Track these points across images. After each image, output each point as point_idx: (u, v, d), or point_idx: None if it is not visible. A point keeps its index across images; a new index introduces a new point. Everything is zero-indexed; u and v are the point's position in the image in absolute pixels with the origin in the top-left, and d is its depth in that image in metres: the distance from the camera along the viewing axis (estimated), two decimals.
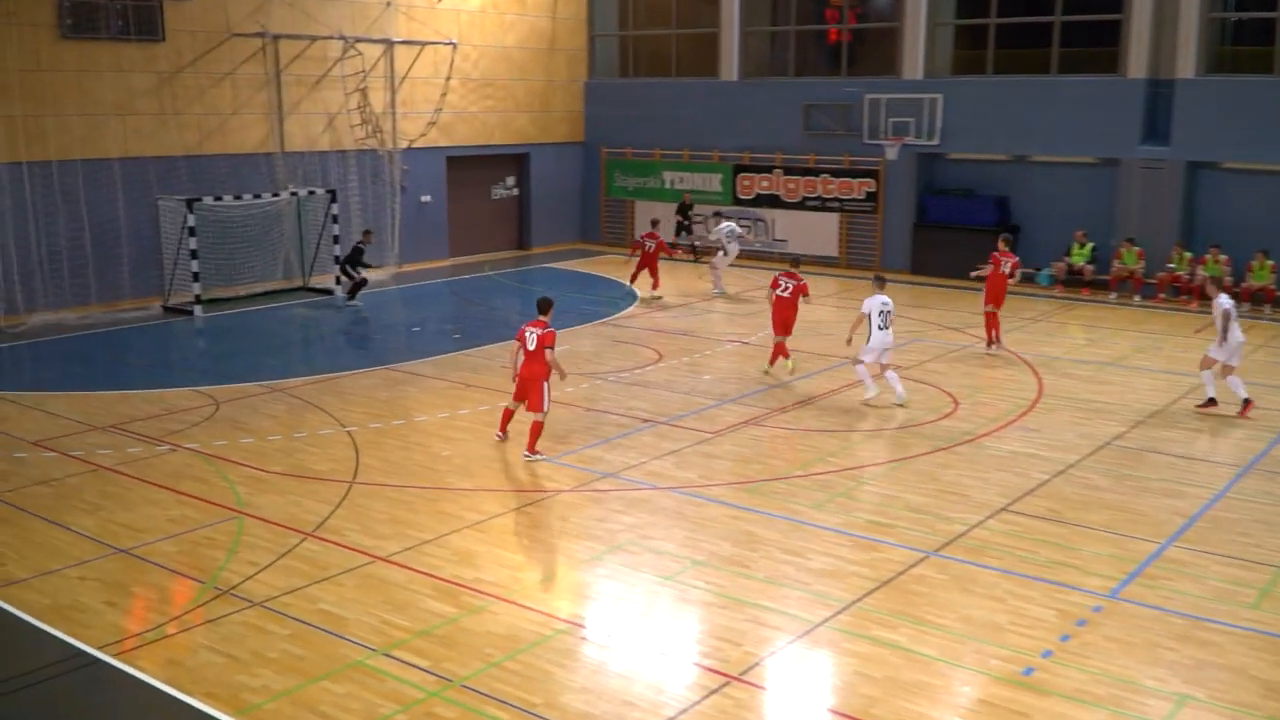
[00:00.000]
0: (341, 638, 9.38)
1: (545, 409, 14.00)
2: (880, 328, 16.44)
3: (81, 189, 22.63)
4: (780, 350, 18.31)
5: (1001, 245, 20.14)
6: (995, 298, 19.85)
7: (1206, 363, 16.16)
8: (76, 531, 11.64)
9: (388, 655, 9.11)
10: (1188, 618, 9.87)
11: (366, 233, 24.92)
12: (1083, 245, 25.94)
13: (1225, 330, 15.76)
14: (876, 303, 16.49)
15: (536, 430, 14.02)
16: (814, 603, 10.08)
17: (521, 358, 13.95)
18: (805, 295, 18.38)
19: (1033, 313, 23.64)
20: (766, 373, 18.24)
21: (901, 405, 16.34)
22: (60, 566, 10.79)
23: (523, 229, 32.92)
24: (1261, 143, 24.04)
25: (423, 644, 9.29)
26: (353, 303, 24.22)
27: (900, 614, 9.87)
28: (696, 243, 30.26)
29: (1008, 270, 19.81)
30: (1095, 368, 18.95)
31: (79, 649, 9.18)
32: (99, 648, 9.21)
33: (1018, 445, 14.71)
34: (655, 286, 24.71)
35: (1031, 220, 27.38)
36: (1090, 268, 25.79)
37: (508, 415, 14.70)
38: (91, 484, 13.07)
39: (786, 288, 18.32)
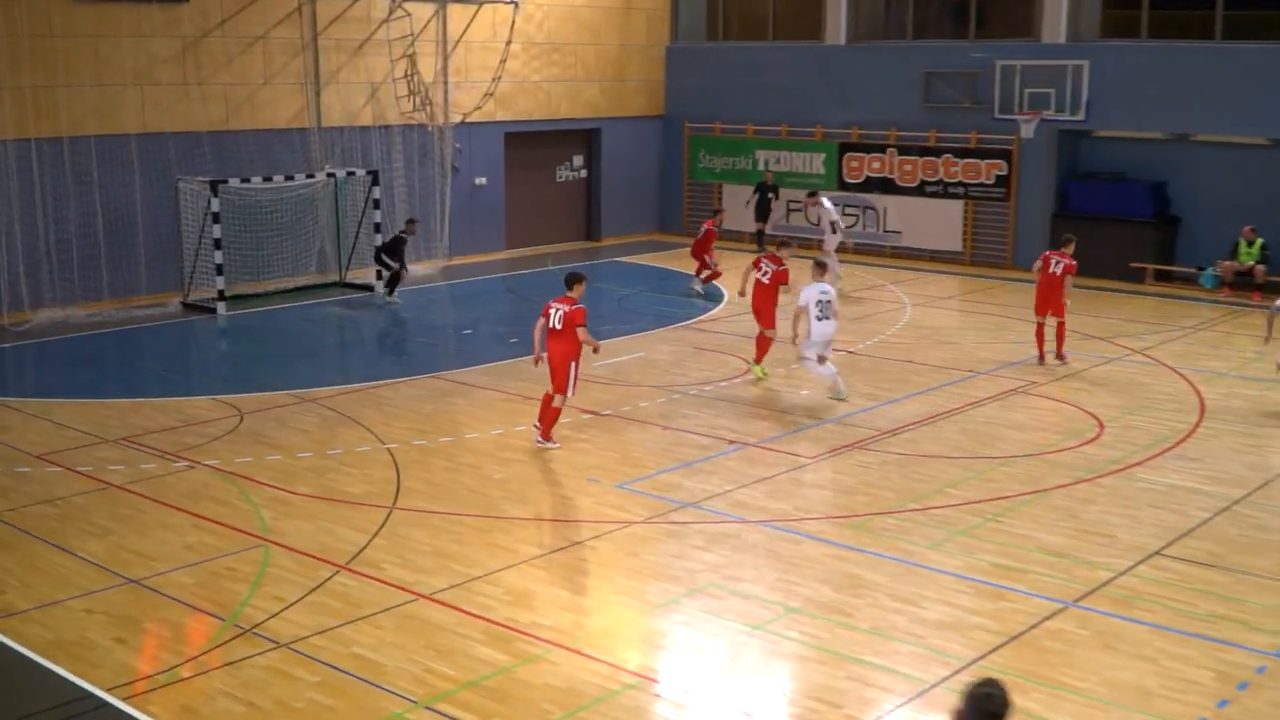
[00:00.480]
0: (378, 687, 9.49)
1: (570, 392, 14.91)
2: (819, 318, 17.13)
3: (95, 169, 23.19)
4: (763, 346, 18.73)
5: (1065, 246, 19.74)
6: (1043, 305, 19.62)
7: None
8: (83, 558, 11.90)
9: (430, 709, 9.19)
10: None
11: (411, 221, 25.13)
12: (1251, 243, 25.46)
13: None
14: (814, 292, 17.24)
15: (554, 415, 15.12)
16: (929, 659, 9.98)
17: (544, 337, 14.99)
18: (784, 284, 18.73)
19: (1194, 320, 23.25)
20: (759, 379, 18.64)
21: (840, 400, 17.10)
22: (65, 597, 11.04)
23: (591, 217, 33.11)
24: None
25: (470, 697, 9.36)
26: (392, 300, 24.50)
27: (1032, 675, 9.72)
28: (768, 230, 30.19)
29: (1059, 272, 19.42)
30: (1266, 386, 18.56)
31: (85, 690, 9.37)
32: (107, 689, 9.40)
33: (1174, 477, 14.45)
34: (700, 275, 25.43)
35: (1194, 211, 26.94)
36: (1261, 268, 25.30)
37: (548, 402, 15.37)
38: (100, 504, 13.37)
39: (766, 272, 18.71)
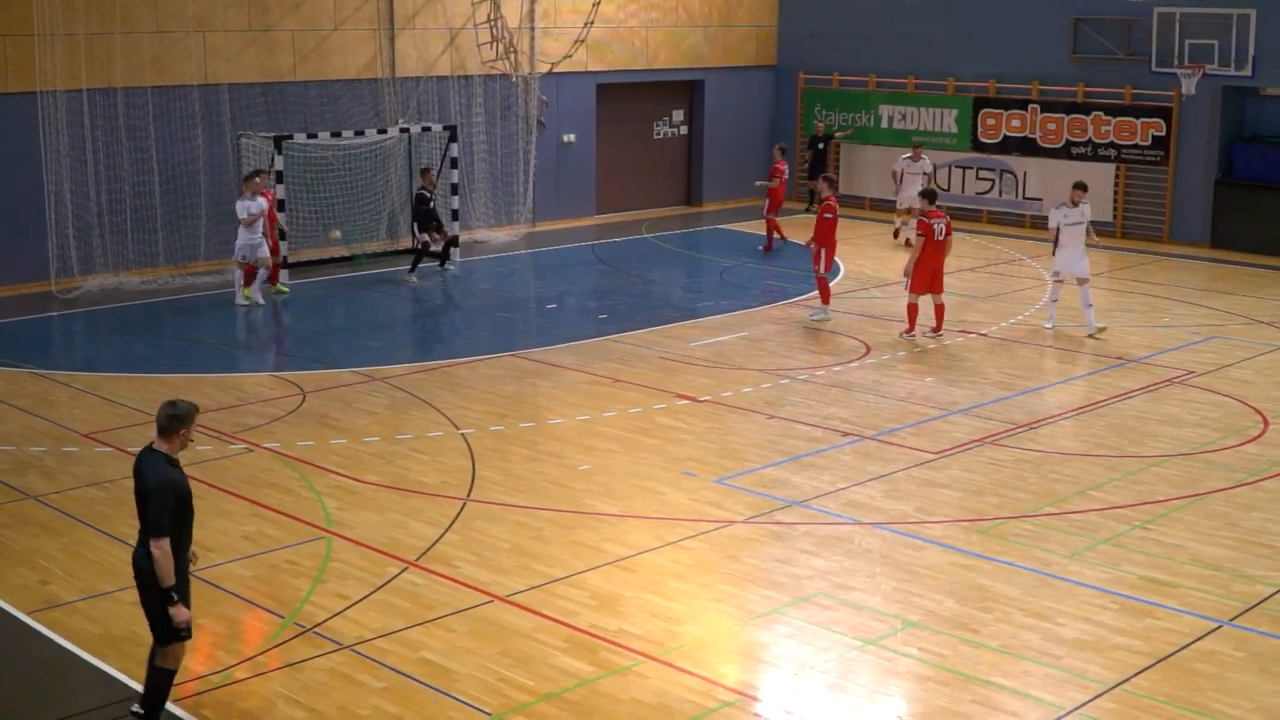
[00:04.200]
0: (448, 695, 9.61)
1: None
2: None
3: (151, 123, 23.64)
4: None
5: (925, 208, 20.50)
6: (927, 280, 20.03)
7: None
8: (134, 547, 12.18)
9: None
10: None
11: (425, 171, 24.67)
12: None
13: None
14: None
15: (940, 311, 19.99)
16: (1065, 682, 9.90)
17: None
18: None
19: None
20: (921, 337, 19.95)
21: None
22: (113, 589, 11.32)
23: (692, 180, 33.13)
24: None
25: (550, 710, 9.45)
26: (411, 279, 24.02)
27: (1181, 700, 9.62)
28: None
29: (941, 235, 20.09)
30: None
31: (133, 689, 9.61)
32: None
33: None
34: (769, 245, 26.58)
35: None
36: None
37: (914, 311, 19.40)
38: None
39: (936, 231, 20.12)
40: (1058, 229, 20.41)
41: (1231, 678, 9.98)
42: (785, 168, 27.59)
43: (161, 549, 8.49)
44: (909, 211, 26.07)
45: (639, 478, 14.14)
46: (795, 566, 11.92)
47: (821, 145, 30.87)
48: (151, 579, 8.62)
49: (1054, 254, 20.62)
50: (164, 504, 8.49)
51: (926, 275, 19.81)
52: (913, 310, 19.91)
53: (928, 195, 20.66)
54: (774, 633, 10.75)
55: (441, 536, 12.45)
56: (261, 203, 21.73)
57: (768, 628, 10.83)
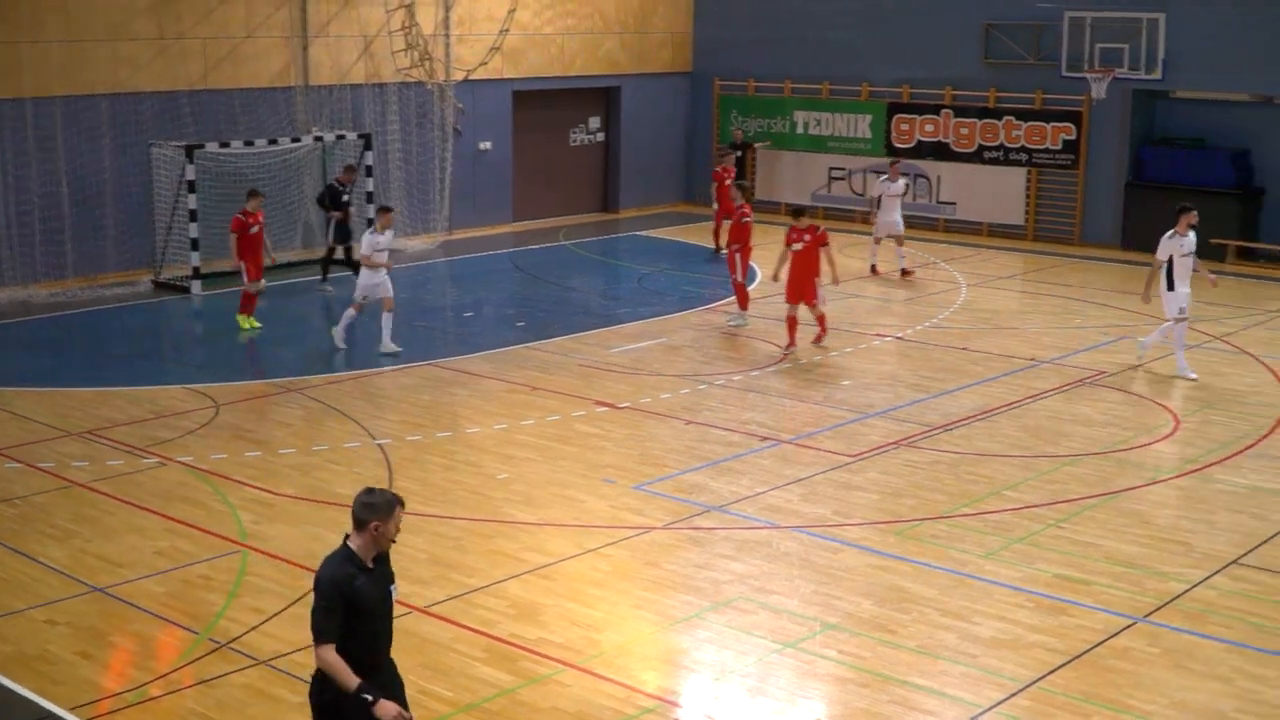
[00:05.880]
0: None
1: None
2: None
3: (60, 133, 23.33)
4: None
5: (801, 218, 19.73)
6: (797, 290, 19.46)
7: None
8: (44, 564, 12.01)
9: None
10: None
11: (348, 168, 24.49)
12: None
13: None
14: None
15: (822, 320, 19.56)
16: (982, 681, 10.01)
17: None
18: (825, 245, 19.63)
19: None
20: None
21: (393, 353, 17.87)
22: (24, 606, 11.14)
23: (609, 187, 33.17)
24: None
25: None
26: (326, 288, 23.89)
27: (1095, 698, 9.75)
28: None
29: (801, 249, 19.39)
30: None
31: (46, 709, 9.47)
32: (70, 709, 9.49)
33: (1256, 478, 14.45)
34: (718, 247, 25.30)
35: None
36: None
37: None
38: (63, 504, 13.47)
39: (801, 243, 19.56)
40: (1170, 260, 18.06)
41: (1146, 674, 10.13)
42: (732, 172, 27.20)
43: (321, 658, 7.21)
44: (899, 241, 25.13)
45: (558, 485, 14.12)
46: (714, 571, 11.96)
47: (740, 153, 30.95)
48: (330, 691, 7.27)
49: (1171, 288, 18.08)
50: (328, 605, 7.22)
51: (795, 286, 19.43)
52: (790, 322, 19.46)
53: (794, 211, 20.03)
54: (694, 638, 10.77)
55: None
56: (390, 235, 19.88)
57: (688, 633, 10.86)
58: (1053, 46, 28.31)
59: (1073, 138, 28.54)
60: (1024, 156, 29.18)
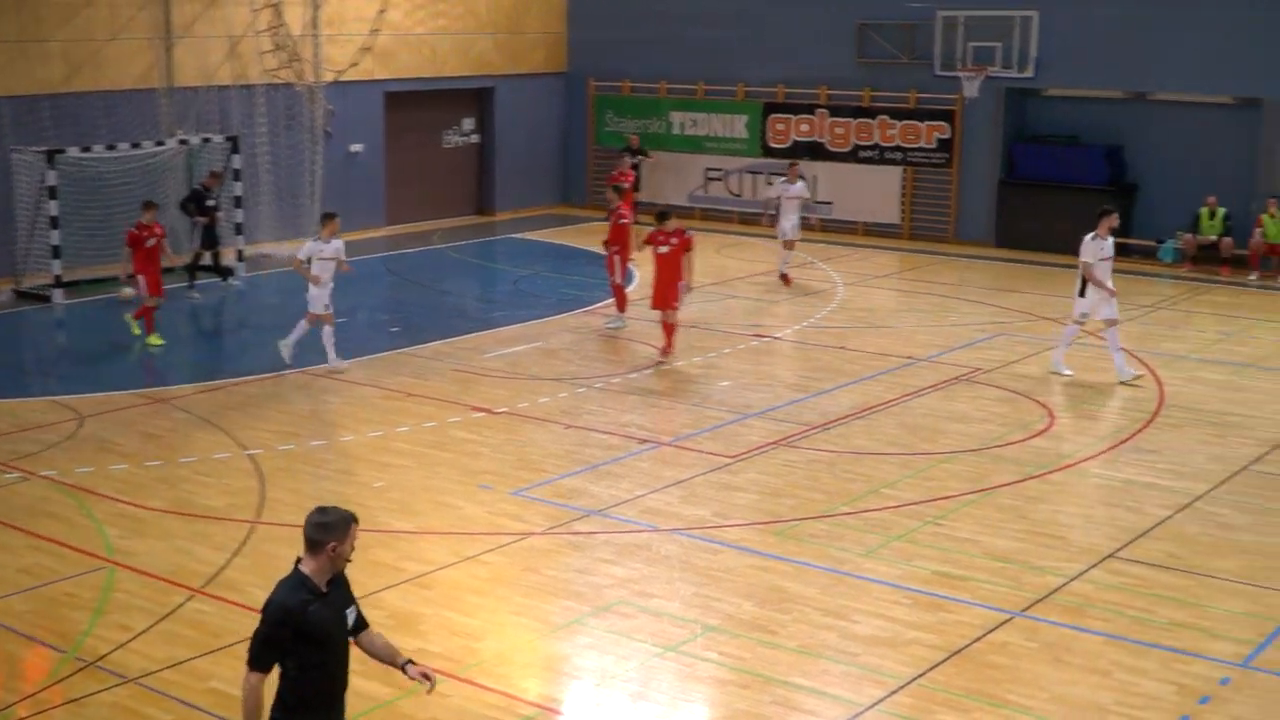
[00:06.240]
0: None
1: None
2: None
3: None
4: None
5: (665, 222, 19.27)
6: (663, 295, 19.09)
7: None
8: None
9: None
10: None
11: (214, 174, 24.30)
12: (1214, 213, 25.97)
13: None
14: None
15: (670, 331, 18.94)
16: (863, 679, 10.10)
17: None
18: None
19: (1152, 298, 23.72)
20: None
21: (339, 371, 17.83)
22: None
23: (484, 189, 33.06)
24: None
25: None
26: (192, 293, 23.59)
27: (975, 693, 9.88)
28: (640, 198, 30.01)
29: (666, 252, 19.04)
30: (1231, 370, 19.01)
31: None
32: None
33: (1130, 472, 14.76)
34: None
35: (1152, 177, 27.50)
36: (1229, 241, 25.82)
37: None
38: None
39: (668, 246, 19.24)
40: (1089, 266, 18.01)
41: (1024, 668, 10.29)
42: (632, 176, 26.93)
43: (245, 684, 6.84)
44: (789, 245, 24.65)
45: (435, 493, 14.04)
46: (594, 576, 11.96)
47: (638, 158, 30.82)
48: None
49: (1081, 294, 18.21)
50: (269, 635, 6.86)
51: (661, 292, 19.14)
52: (667, 329, 19.21)
53: (660, 214, 19.49)
54: (575, 644, 10.76)
55: (229, 562, 12.18)
56: (338, 244, 18.80)
57: (569, 639, 10.84)
58: (926, 45, 28.74)
59: (947, 136, 28.98)
60: (899, 155, 29.59)
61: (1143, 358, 19.39)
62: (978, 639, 10.74)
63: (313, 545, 6.86)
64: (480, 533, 12.96)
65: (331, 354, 18.50)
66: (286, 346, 18.71)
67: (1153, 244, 26.89)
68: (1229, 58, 25.97)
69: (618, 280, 21.18)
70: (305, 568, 6.90)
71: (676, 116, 32.21)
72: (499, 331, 21.07)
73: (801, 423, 16.38)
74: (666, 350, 19.17)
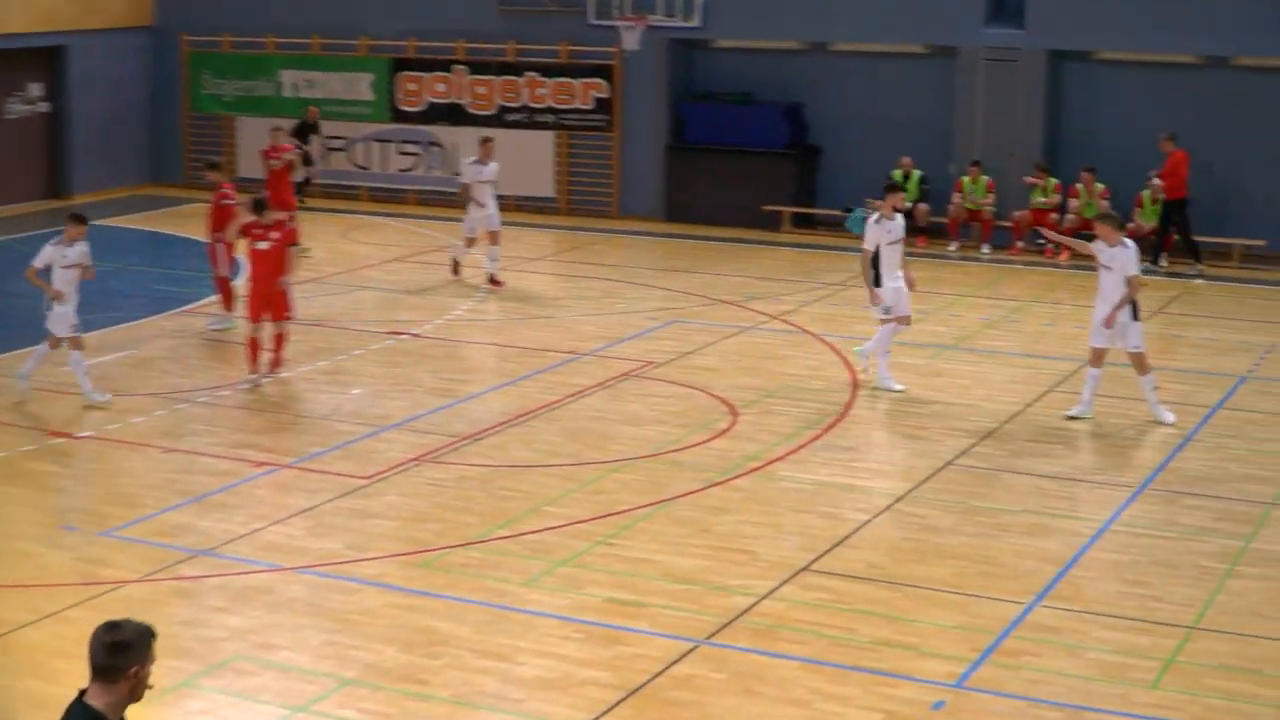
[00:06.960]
0: None
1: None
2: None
3: None
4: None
5: (264, 213, 18.43)
6: (262, 301, 18.17)
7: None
8: None
9: None
10: (1065, 708, 10.41)
11: None
12: (908, 176, 26.83)
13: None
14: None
15: (280, 341, 18.17)
16: None
17: None
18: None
19: (842, 274, 24.39)
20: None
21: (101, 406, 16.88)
22: None
23: (58, 166, 32.02)
24: (1148, 26, 25.58)
25: None
26: None
27: None
28: (312, 179, 29.64)
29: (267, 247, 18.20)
30: (930, 353, 19.79)
31: None
32: None
33: (823, 472, 15.20)
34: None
35: (837, 138, 28.42)
36: (924, 208, 26.78)
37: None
38: None
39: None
40: (876, 250, 17.48)
41: (713, 702, 10.45)
42: (291, 150, 26.00)
43: None
44: (472, 240, 23.66)
45: (6, 537, 13.52)
46: (206, 628, 11.66)
47: (307, 135, 29.91)
48: None
49: (878, 283, 17.57)
50: None
51: (261, 297, 18.14)
52: (253, 345, 18.18)
53: (255, 205, 18.54)
54: (184, 710, 10.49)
55: None
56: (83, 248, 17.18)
57: (176, 705, 10.54)
58: None
59: (605, 96, 29.35)
60: (551, 118, 29.82)
61: (832, 342, 20.00)
62: (659, 673, 10.87)
63: (108, 672, 5.85)
64: (65, 584, 12.50)
65: (87, 385, 17.05)
66: (24, 379, 17.16)
67: (840, 214, 27.61)
68: (918, 4, 26.98)
69: (223, 273, 20.71)
70: (96, 702, 5.88)
71: (288, 76, 31.74)
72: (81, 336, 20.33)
73: (449, 434, 16.34)
74: (275, 364, 18.36)
